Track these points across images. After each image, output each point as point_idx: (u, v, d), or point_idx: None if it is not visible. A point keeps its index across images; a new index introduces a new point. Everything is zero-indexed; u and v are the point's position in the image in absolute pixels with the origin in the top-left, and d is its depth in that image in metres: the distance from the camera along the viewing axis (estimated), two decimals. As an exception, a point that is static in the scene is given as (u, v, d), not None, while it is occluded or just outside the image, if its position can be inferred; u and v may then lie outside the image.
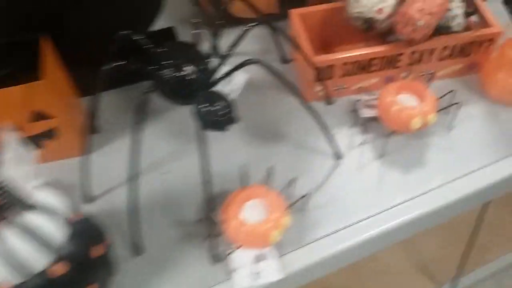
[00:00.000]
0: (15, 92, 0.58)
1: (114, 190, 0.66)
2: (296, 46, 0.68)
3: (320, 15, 0.77)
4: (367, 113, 0.73)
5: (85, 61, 0.67)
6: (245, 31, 0.59)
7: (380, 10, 0.70)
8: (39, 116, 0.62)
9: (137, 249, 0.60)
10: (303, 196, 0.62)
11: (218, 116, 0.56)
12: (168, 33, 0.82)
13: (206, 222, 0.57)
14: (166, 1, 0.75)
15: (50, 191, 0.49)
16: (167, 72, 0.57)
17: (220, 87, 0.62)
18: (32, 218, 0.47)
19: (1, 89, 0.58)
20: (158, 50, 0.59)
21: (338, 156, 0.69)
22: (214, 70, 0.61)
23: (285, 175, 0.66)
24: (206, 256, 0.60)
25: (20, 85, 0.58)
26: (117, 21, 0.72)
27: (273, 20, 0.82)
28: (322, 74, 0.71)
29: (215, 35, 0.63)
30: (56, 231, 0.47)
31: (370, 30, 0.73)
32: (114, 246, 0.59)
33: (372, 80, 0.76)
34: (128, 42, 0.60)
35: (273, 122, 0.74)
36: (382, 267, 0.96)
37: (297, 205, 0.63)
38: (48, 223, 0.47)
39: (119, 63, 0.52)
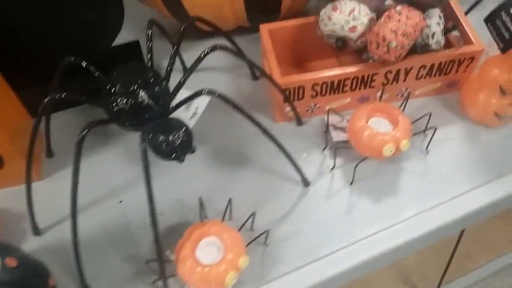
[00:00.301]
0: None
1: (66, 220, 0.62)
2: (262, 72, 0.64)
3: (292, 30, 0.73)
4: (338, 136, 0.68)
5: (40, 79, 0.63)
6: (202, 57, 0.55)
7: (353, 28, 0.65)
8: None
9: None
10: (264, 232, 0.58)
11: (174, 145, 0.52)
12: (133, 47, 0.78)
13: (157, 263, 0.53)
14: (126, 13, 0.71)
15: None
16: (117, 100, 0.53)
17: (178, 112, 0.58)
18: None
19: None
20: (114, 74, 0.55)
21: (305, 183, 0.65)
22: (170, 95, 0.57)
23: (249, 203, 0.63)
24: (159, 296, 0.57)
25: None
26: (77, 36, 0.68)
27: (241, 34, 0.78)
28: (291, 95, 0.67)
29: (176, 53, 0.59)
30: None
31: (344, 48, 0.68)
32: (61, 285, 0.56)
33: (346, 100, 0.71)
34: (75, 66, 0.56)
35: (237, 145, 0.70)
36: (362, 278, 0.93)
37: (258, 239, 0.59)
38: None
39: (57, 95, 0.48)
